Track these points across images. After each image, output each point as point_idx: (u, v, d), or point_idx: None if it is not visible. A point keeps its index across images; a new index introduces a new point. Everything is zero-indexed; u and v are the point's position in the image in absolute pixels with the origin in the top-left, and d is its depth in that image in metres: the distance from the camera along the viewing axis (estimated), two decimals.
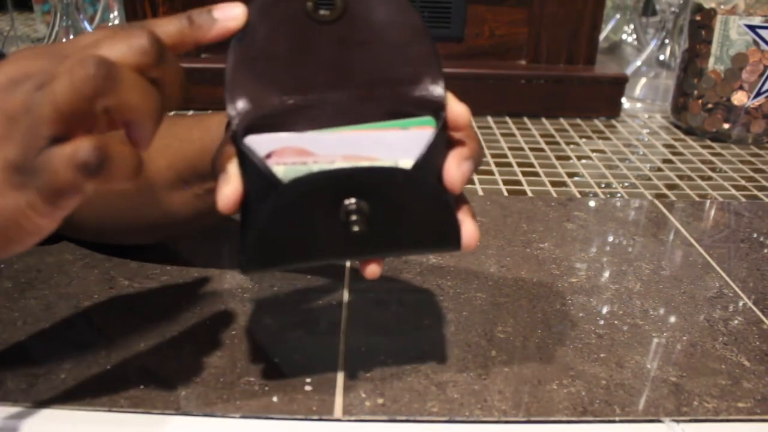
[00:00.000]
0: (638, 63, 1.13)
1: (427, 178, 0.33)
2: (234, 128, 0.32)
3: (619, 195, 0.67)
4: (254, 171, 0.31)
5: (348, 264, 0.51)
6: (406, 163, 0.32)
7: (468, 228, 0.34)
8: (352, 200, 0.32)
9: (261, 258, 0.33)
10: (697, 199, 0.68)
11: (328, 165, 0.32)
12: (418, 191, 0.32)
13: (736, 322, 0.46)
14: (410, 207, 0.33)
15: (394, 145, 0.33)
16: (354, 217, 0.32)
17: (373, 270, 0.34)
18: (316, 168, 0.31)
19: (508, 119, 0.91)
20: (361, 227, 0.32)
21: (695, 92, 0.86)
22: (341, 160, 0.32)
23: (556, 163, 0.76)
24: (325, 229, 0.32)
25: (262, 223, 0.32)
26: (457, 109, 0.33)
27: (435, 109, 0.33)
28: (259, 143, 0.32)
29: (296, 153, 0.32)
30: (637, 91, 1.07)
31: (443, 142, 0.33)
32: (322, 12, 0.33)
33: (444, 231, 0.34)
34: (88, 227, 0.48)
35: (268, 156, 0.32)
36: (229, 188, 0.31)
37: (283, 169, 0.31)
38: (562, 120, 0.92)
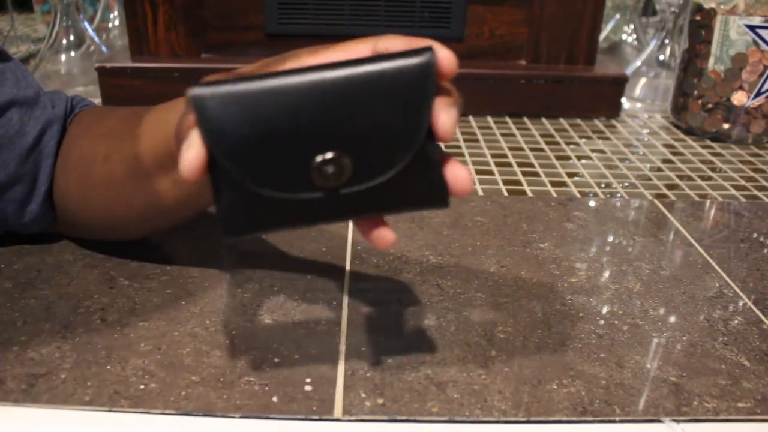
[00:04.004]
0: (638, 63, 1.13)
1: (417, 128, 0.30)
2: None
3: (619, 195, 0.67)
4: (212, 126, 0.29)
5: (348, 265, 0.51)
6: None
7: (459, 173, 0.32)
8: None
9: (239, 223, 0.31)
10: (697, 199, 0.68)
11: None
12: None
13: (736, 322, 0.46)
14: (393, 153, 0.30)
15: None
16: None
17: (384, 237, 0.33)
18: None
19: (508, 119, 0.91)
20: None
21: (695, 92, 0.86)
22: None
23: (556, 163, 0.76)
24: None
25: (232, 185, 0.30)
26: (444, 53, 0.31)
27: (420, 51, 0.30)
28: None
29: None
30: (637, 91, 1.07)
31: (433, 87, 0.30)
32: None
33: (431, 187, 0.32)
34: (80, 222, 0.48)
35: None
36: (191, 152, 0.30)
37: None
38: (562, 120, 0.92)
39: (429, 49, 0.30)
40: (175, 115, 0.41)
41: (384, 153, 0.30)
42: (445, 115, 0.31)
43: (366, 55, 0.33)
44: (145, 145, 0.42)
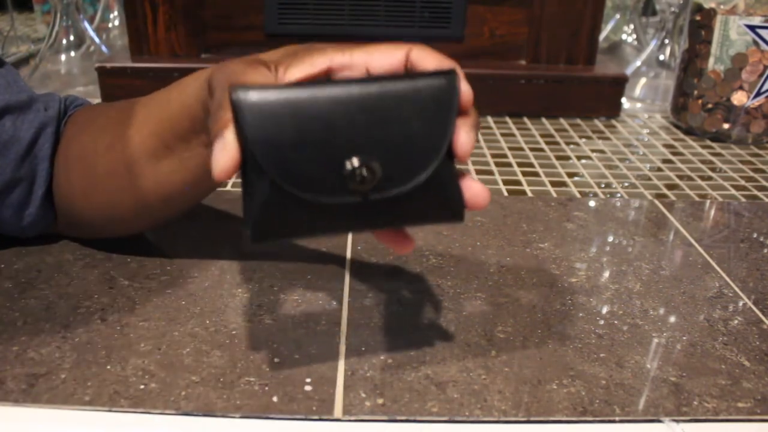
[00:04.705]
0: (638, 63, 1.13)
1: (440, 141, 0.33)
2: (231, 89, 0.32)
3: (619, 195, 0.67)
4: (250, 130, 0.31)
5: (348, 265, 0.51)
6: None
7: (475, 187, 0.35)
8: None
9: (267, 228, 0.32)
10: (697, 199, 0.68)
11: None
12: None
13: (736, 322, 0.46)
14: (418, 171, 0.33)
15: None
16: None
17: (407, 247, 0.36)
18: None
19: (508, 119, 0.91)
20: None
21: (695, 92, 0.86)
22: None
23: (556, 163, 0.76)
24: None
25: (266, 188, 0.31)
26: (464, 87, 0.34)
27: (446, 73, 0.34)
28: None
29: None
30: (637, 91, 1.07)
31: (455, 104, 0.33)
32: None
33: (449, 201, 0.34)
34: (83, 220, 0.48)
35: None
36: (225, 155, 0.31)
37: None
38: (562, 120, 0.92)
39: (452, 71, 0.34)
40: (178, 94, 0.41)
41: (410, 162, 0.33)
42: (464, 135, 0.34)
43: (399, 59, 0.36)
44: (149, 128, 0.42)
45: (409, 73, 0.35)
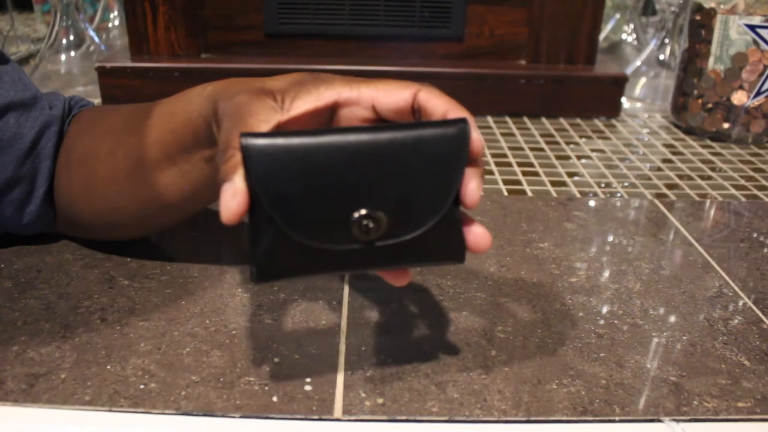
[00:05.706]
0: (638, 63, 1.13)
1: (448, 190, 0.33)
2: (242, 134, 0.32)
3: (619, 195, 0.67)
4: (259, 177, 0.31)
5: None
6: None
7: (479, 232, 0.35)
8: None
9: (273, 268, 0.33)
10: (697, 198, 0.68)
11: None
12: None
13: (736, 321, 0.46)
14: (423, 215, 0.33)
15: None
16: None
17: (403, 281, 0.36)
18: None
19: (508, 119, 0.91)
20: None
21: (695, 92, 0.86)
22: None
23: (556, 162, 0.76)
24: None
25: (273, 232, 0.32)
26: (475, 135, 0.34)
27: (457, 123, 0.33)
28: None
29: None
30: (637, 91, 1.07)
31: (465, 156, 0.33)
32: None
33: (451, 245, 0.34)
34: (83, 222, 0.48)
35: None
36: (235, 202, 0.31)
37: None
38: (562, 120, 0.92)
39: (464, 120, 0.33)
40: (182, 107, 0.41)
41: (417, 212, 0.33)
42: (473, 185, 0.34)
43: (406, 100, 0.35)
44: (152, 138, 0.42)
45: (420, 121, 0.35)
